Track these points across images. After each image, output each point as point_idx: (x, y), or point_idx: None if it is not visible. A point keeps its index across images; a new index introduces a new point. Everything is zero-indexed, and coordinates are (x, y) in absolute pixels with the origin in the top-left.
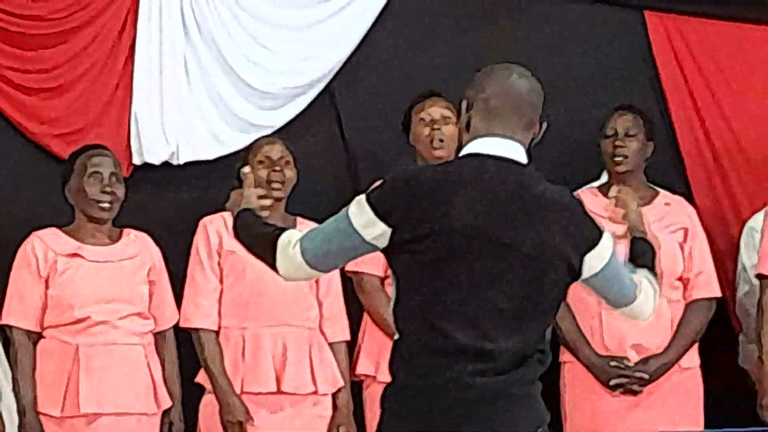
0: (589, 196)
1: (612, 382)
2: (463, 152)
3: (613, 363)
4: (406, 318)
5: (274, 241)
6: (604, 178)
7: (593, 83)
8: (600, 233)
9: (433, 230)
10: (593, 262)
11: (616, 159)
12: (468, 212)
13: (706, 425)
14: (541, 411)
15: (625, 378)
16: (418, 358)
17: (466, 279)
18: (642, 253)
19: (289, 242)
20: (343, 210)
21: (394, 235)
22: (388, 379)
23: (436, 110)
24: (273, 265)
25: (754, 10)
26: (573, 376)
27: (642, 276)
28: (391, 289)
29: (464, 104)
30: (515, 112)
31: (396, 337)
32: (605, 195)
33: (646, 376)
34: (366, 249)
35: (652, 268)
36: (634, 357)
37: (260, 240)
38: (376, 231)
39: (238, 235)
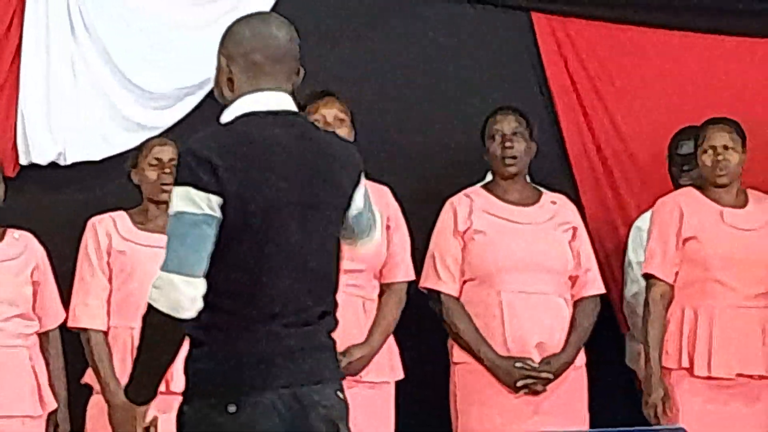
0: (476, 195)
1: (519, 383)
2: (234, 112)
3: (518, 364)
4: (220, 286)
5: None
6: (489, 178)
7: (480, 84)
8: (362, 169)
9: (246, 197)
10: (358, 196)
11: (507, 160)
12: (270, 175)
13: (592, 424)
14: (338, 363)
15: (530, 379)
16: (231, 324)
17: (282, 244)
18: None
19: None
20: (172, 217)
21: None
22: None
23: (330, 111)
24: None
25: (638, 12)
26: (464, 377)
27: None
28: None
29: (223, 61)
30: (279, 64)
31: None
32: (492, 193)
33: (551, 376)
34: (215, 225)
35: None
36: (537, 357)
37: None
38: (209, 202)
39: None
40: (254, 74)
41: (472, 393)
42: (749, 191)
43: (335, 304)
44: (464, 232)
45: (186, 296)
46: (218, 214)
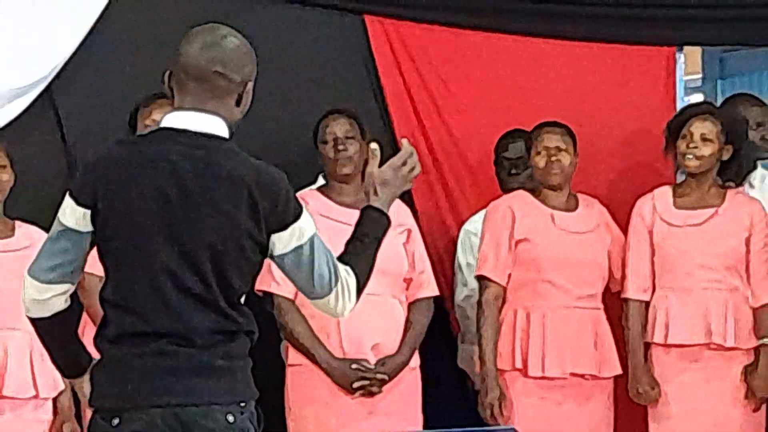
0: (311, 198)
1: (355, 385)
2: (160, 125)
3: (354, 366)
4: (109, 301)
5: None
6: (321, 181)
7: (314, 87)
8: (297, 214)
9: (120, 213)
10: (283, 241)
11: (341, 162)
12: (152, 194)
13: (425, 425)
14: (245, 386)
15: (366, 380)
16: (120, 340)
17: (154, 263)
18: (367, 225)
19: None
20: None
21: (93, 218)
22: None
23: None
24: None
25: (471, 16)
26: (299, 379)
27: (347, 272)
28: None
29: (167, 74)
30: (202, 83)
31: (104, 318)
32: (326, 196)
33: (386, 377)
34: (78, 239)
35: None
36: (372, 359)
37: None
38: (76, 215)
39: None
40: (179, 91)
41: (307, 395)
42: (579, 195)
43: (239, 328)
44: None
45: (28, 297)
46: (85, 228)
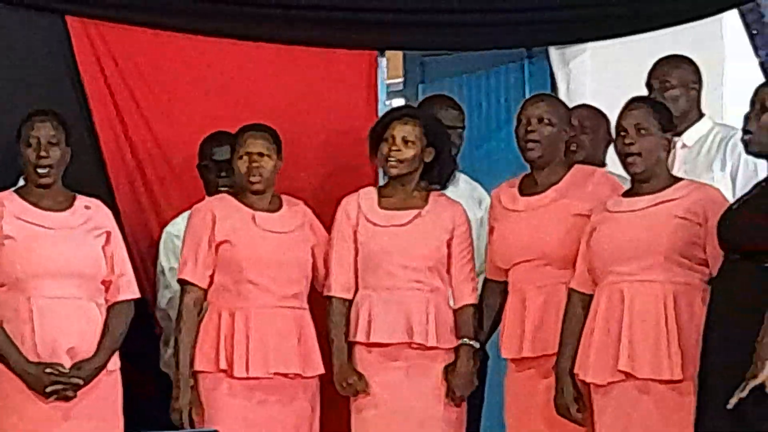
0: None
1: (48, 389)
2: None
3: (48, 370)
4: None
5: None
6: (21, 182)
7: (14, 87)
8: None
9: None
10: None
11: (39, 167)
12: None
13: (128, 428)
14: None
15: (60, 384)
16: None
17: None
18: None
19: None
20: None
21: None
22: None
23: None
24: None
25: (175, 18)
26: None
27: None
28: None
29: None
30: None
31: None
32: (25, 199)
33: (81, 382)
34: None
35: None
36: (68, 362)
37: None
38: None
39: None
40: None
41: (3, 398)
42: (283, 196)
43: None
44: None
45: None
46: None
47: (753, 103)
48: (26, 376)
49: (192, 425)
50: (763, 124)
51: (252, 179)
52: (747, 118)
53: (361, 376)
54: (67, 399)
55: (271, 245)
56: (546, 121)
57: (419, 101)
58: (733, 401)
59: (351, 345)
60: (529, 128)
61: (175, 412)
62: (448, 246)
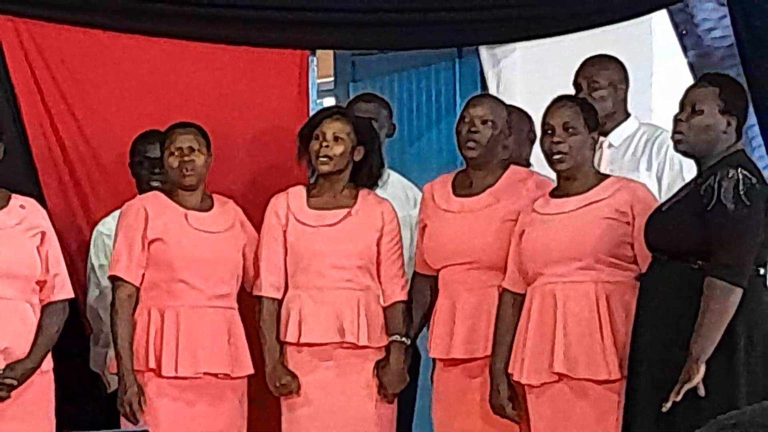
0: None
1: None
2: None
3: None
4: None
5: None
6: None
7: None
8: None
9: None
10: None
11: None
12: None
13: (59, 429)
14: None
15: None
16: None
17: None
18: None
19: None
20: None
21: None
22: None
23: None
24: None
25: (102, 16)
26: None
27: None
28: None
29: None
30: None
31: None
32: None
33: (15, 382)
34: None
35: None
36: (2, 363)
37: None
38: None
39: None
40: None
41: None
42: (214, 195)
43: None
44: None
45: None
46: None
47: (683, 104)
48: None
49: (137, 417)
50: (694, 126)
51: (185, 173)
52: (677, 120)
53: (294, 376)
54: (1, 400)
55: (204, 245)
56: (489, 123)
57: (349, 100)
58: (667, 405)
59: (282, 345)
60: (472, 128)
61: (123, 405)
62: (378, 244)
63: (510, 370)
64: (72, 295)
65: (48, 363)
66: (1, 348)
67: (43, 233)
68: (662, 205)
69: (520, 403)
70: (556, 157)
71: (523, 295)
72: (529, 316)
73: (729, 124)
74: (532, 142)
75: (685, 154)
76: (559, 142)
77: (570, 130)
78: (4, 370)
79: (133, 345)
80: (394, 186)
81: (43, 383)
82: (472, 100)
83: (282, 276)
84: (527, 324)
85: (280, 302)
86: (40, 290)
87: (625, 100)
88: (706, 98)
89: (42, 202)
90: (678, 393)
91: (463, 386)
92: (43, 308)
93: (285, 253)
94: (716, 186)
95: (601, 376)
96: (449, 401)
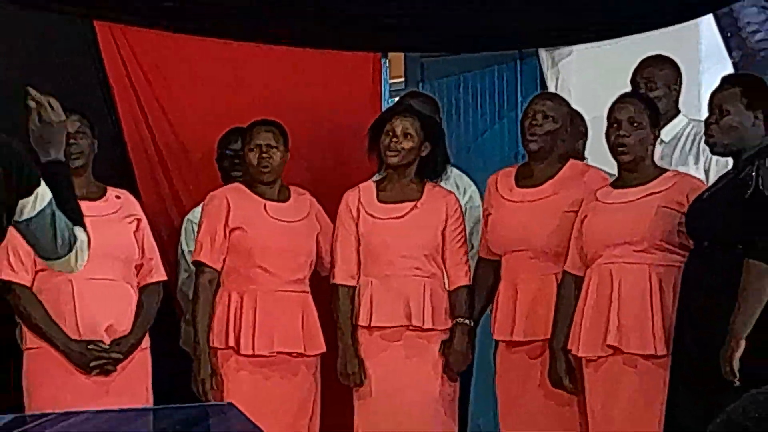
0: None
1: (92, 364)
2: None
3: (90, 346)
4: None
5: None
6: None
7: (45, 86)
8: (38, 178)
9: None
10: (29, 206)
11: (73, 156)
12: None
13: (155, 402)
14: None
15: (102, 360)
16: None
17: None
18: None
19: None
20: None
21: None
22: None
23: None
24: None
25: (191, 23)
26: (35, 361)
27: (79, 230)
28: None
29: None
30: None
31: None
32: None
33: (121, 356)
34: None
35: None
36: (107, 339)
37: None
38: None
39: None
40: None
41: (45, 376)
42: (292, 187)
43: None
44: None
45: None
46: None
47: (711, 108)
48: (70, 353)
49: (208, 397)
50: (723, 126)
51: (262, 169)
52: (708, 123)
53: (361, 365)
54: (108, 373)
55: (281, 233)
56: (551, 118)
57: (399, 98)
58: (737, 381)
59: (355, 328)
60: (533, 122)
61: (197, 383)
62: (443, 234)
63: (569, 346)
64: (165, 278)
65: (146, 341)
66: (106, 325)
67: (139, 220)
68: (702, 194)
69: (577, 377)
70: (621, 149)
71: (582, 278)
72: (587, 294)
73: (756, 117)
74: (584, 135)
75: (721, 154)
76: (624, 136)
77: (635, 124)
78: (110, 345)
79: (211, 328)
80: (451, 178)
81: (143, 359)
82: (536, 97)
83: (355, 265)
84: (585, 301)
85: (353, 288)
86: (138, 273)
87: (677, 99)
88: (731, 99)
89: (136, 194)
90: (731, 368)
91: (524, 366)
92: (141, 290)
93: (358, 244)
94: (754, 175)
95: (649, 350)
96: (511, 379)
